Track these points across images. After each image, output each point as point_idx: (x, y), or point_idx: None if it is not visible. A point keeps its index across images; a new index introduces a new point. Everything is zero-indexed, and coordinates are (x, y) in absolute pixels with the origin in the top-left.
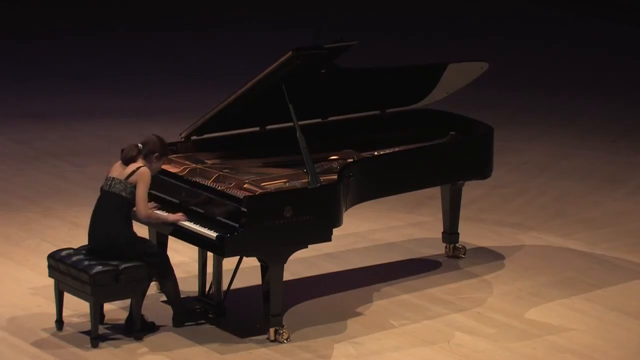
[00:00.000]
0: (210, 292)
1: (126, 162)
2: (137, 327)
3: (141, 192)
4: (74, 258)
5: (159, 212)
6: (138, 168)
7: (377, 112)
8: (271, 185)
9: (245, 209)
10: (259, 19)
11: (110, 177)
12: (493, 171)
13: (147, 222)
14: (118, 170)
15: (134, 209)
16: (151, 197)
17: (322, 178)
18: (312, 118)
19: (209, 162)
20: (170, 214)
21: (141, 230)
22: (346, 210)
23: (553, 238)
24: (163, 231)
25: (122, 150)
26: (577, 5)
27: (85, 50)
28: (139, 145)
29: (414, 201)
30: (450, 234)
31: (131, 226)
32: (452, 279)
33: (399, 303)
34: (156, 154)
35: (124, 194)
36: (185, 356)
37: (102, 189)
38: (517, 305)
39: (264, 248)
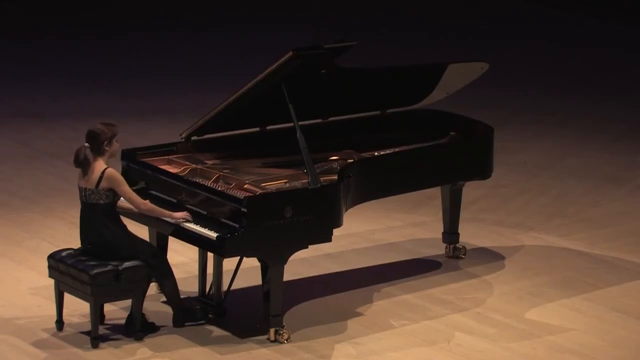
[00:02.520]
0: (211, 292)
1: (83, 167)
2: (137, 328)
3: (126, 192)
4: (74, 258)
5: (163, 210)
6: (103, 172)
7: (378, 112)
8: (271, 185)
9: (245, 210)
10: (259, 19)
11: (82, 188)
12: (493, 171)
13: (150, 215)
14: (84, 179)
15: (121, 207)
16: (150, 197)
17: (322, 178)
18: (313, 118)
19: (209, 162)
20: (176, 213)
21: (141, 230)
22: (346, 210)
23: (553, 238)
24: (163, 231)
25: (74, 159)
26: (576, 5)
27: (85, 50)
28: (86, 144)
29: (414, 201)
30: (451, 234)
31: (123, 227)
32: (452, 279)
33: (399, 303)
34: (105, 142)
35: (102, 201)
36: (185, 356)
37: (80, 200)
38: (517, 305)
39: (264, 248)
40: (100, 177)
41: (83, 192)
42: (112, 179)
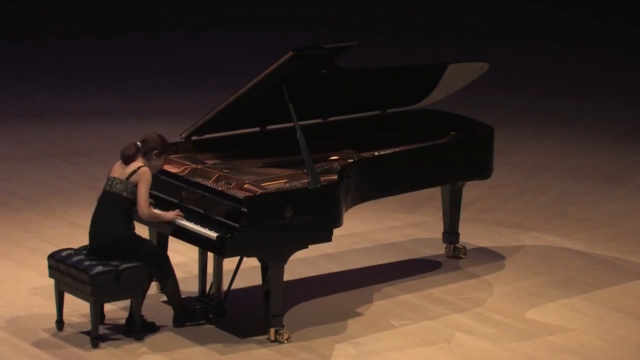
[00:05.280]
0: (211, 292)
1: (126, 161)
2: (138, 327)
3: (142, 192)
4: (75, 258)
5: (158, 211)
6: (139, 167)
7: (378, 112)
8: (271, 185)
9: (245, 209)
10: (259, 19)
11: (111, 177)
12: (493, 171)
13: (149, 221)
14: (118, 170)
15: (136, 208)
16: (151, 197)
17: (322, 178)
18: (313, 118)
19: (210, 162)
20: (168, 213)
21: (141, 230)
22: (346, 210)
23: (553, 238)
24: (163, 231)
25: (122, 150)
26: (576, 5)
27: (85, 50)
28: (138, 143)
29: (414, 201)
30: (451, 234)
31: (132, 226)
32: (452, 279)
33: (399, 303)
34: (155, 152)
35: (125, 194)
36: (185, 356)
37: (103, 189)
38: (517, 306)
39: (264, 248)
40: (134, 172)
41: (111, 180)
42: (142, 174)
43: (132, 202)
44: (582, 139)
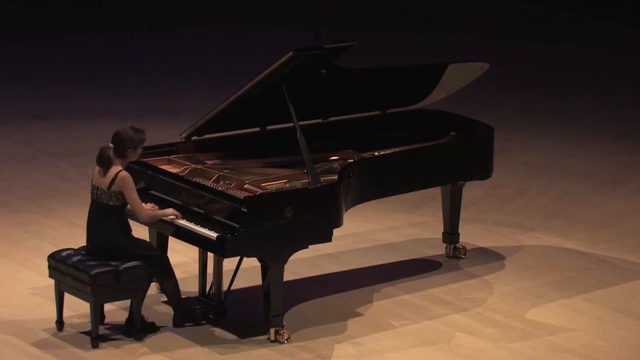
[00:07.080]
0: (211, 292)
1: (104, 166)
2: (138, 328)
3: (133, 198)
4: (75, 258)
5: (156, 209)
6: (116, 175)
7: (378, 112)
8: (272, 185)
9: (245, 210)
10: (259, 19)
11: (95, 186)
12: (493, 171)
13: (151, 222)
14: (98, 177)
15: (130, 210)
16: (152, 198)
17: (322, 178)
18: (313, 118)
19: (210, 162)
20: (166, 210)
21: (141, 230)
22: (346, 210)
23: (553, 238)
24: (164, 231)
25: (98, 155)
26: (576, 5)
27: (85, 50)
28: (111, 145)
29: (414, 201)
30: (451, 234)
31: (127, 229)
32: (452, 279)
33: (399, 303)
34: (130, 149)
35: (111, 203)
36: (185, 356)
37: (91, 197)
38: (517, 306)
39: (265, 248)
40: (114, 179)
41: (95, 189)
42: (123, 182)
43: (121, 207)
44: (582, 139)
